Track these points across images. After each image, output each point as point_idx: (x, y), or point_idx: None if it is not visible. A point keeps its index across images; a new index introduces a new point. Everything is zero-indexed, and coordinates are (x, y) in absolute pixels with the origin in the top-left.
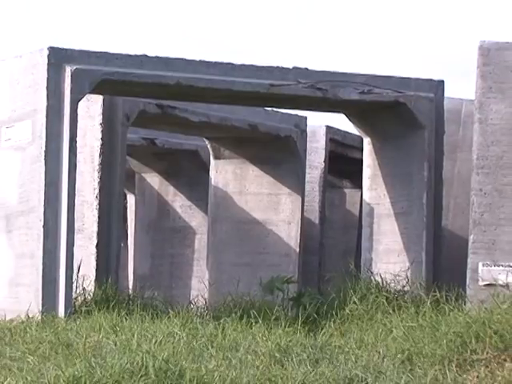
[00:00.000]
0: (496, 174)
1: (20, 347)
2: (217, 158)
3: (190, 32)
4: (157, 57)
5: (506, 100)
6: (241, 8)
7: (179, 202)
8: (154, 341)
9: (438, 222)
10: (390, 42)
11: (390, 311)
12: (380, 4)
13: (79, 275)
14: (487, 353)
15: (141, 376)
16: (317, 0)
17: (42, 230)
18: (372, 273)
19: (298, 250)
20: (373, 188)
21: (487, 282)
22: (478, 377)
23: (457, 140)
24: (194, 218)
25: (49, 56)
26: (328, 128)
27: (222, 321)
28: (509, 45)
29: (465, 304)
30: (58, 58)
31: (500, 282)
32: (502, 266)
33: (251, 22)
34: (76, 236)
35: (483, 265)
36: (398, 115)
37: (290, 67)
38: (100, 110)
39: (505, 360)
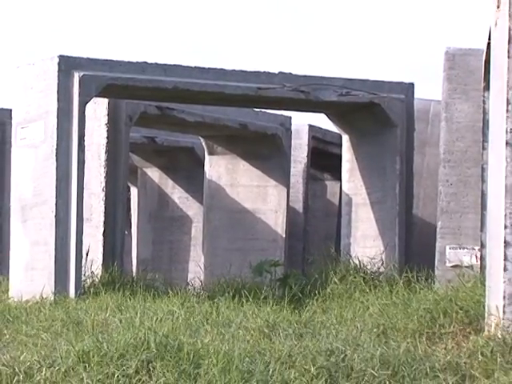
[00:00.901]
0: (461, 167)
1: (35, 325)
2: (211, 154)
3: (186, 40)
4: (156, 63)
5: (470, 100)
6: (232, 18)
7: (177, 194)
8: (155, 318)
9: (409, 210)
10: (365, 49)
11: (367, 290)
12: (356, 13)
13: (88, 260)
14: (454, 327)
15: (143, 350)
16: (299, 11)
17: (54, 219)
18: (350, 256)
19: (284, 236)
20: (351, 180)
21: (453, 264)
22: (445, 348)
23: (425, 137)
24: (191, 208)
25: (59, 63)
26: (310, 127)
27: (216, 300)
28: (471, 51)
29: (434, 283)
30: (67, 65)
31: (465, 264)
32: (467, 248)
33: (241, 30)
34: (85, 225)
35: (450, 248)
36: (373, 115)
37: (276, 72)
38: (105, 112)
39: (469, 333)
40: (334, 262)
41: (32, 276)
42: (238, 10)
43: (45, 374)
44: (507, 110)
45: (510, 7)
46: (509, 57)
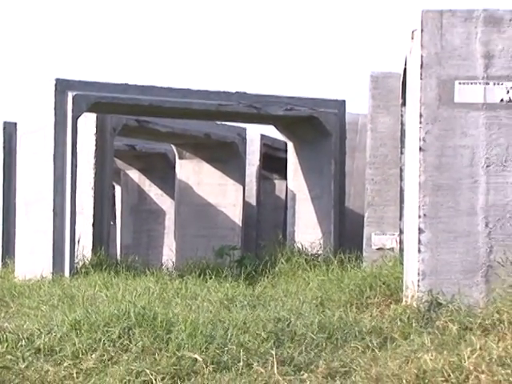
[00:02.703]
0: (383, 168)
1: (36, 299)
2: (180, 158)
3: (160, 64)
4: (135, 85)
5: (390, 114)
6: (197, 46)
7: (153, 191)
8: (134, 293)
9: (342, 203)
10: (307, 72)
11: (308, 269)
12: (301, 41)
13: (80, 246)
14: (378, 298)
15: (125, 319)
16: (251, 39)
17: (51, 213)
18: (295, 241)
19: (240, 225)
20: (295, 179)
21: (378, 247)
22: (371, 316)
23: (355, 144)
24: (165, 202)
25: (55, 85)
26: (262, 136)
27: (185, 278)
28: (391, 74)
29: (362, 263)
30: (62, 86)
31: (387, 247)
32: (388, 234)
33: (206, 56)
34: (77, 217)
35: (375, 234)
36: (312, 126)
37: (233, 91)
38: (94, 124)
39: (390, 303)
40: (281, 247)
41: (34, 259)
42: (203, 39)
43: (44, 340)
44: (420, 122)
45: (421, 39)
46: (421, 79)
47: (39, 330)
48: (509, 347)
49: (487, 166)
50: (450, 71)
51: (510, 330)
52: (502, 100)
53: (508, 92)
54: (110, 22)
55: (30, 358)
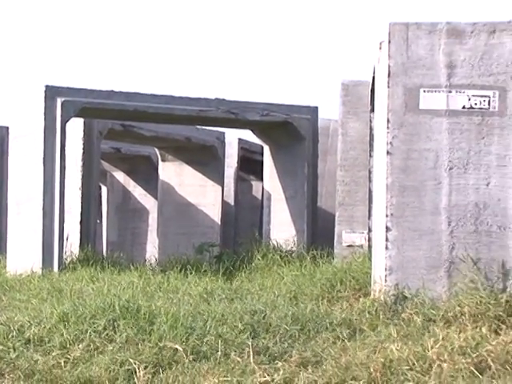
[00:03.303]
0: (353, 170)
1: (26, 293)
2: (163, 160)
3: (144, 71)
4: (120, 91)
5: (359, 120)
6: (178, 54)
7: (137, 191)
8: (119, 287)
9: (314, 203)
10: (282, 79)
11: (282, 264)
12: (275, 50)
13: (68, 242)
14: (347, 292)
15: (110, 311)
16: (230, 49)
17: (41, 212)
18: (270, 239)
19: (219, 223)
20: (270, 181)
21: (348, 244)
22: (341, 308)
23: (327, 147)
24: (148, 202)
25: (45, 91)
26: (239, 140)
27: (167, 273)
28: (361, 82)
29: (333, 259)
30: (51, 92)
31: (356, 244)
32: (358, 232)
33: (187, 64)
34: (65, 216)
35: (345, 232)
36: (287, 131)
37: (213, 98)
38: (81, 128)
39: (359, 296)
40: (257, 244)
41: (24, 255)
42: (186, 49)
43: (33, 331)
44: (387, 127)
45: (388, 50)
46: (388, 87)
47: (29, 321)
48: (469, 338)
49: (450, 169)
50: (416, 80)
51: (471, 321)
52: (463, 107)
53: (469, 99)
54: (97, 31)
55: (20, 348)
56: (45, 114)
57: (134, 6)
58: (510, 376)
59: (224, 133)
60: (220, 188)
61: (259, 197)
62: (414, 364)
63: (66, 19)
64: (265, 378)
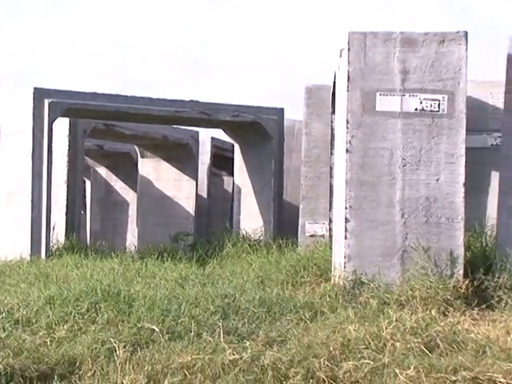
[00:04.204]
0: (316, 167)
1: (15, 277)
2: (142, 157)
3: (123, 75)
4: (103, 93)
5: (321, 121)
6: (155, 62)
7: (119, 185)
8: (101, 273)
9: (280, 197)
10: (252, 82)
11: (251, 252)
12: (246, 55)
13: (54, 232)
14: (310, 277)
15: (92, 295)
16: (204, 53)
17: (30, 203)
18: (240, 229)
19: (193, 214)
20: (240, 176)
21: (311, 234)
22: (304, 292)
23: (292, 145)
24: (128, 195)
25: (34, 93)
26: (212, 138)
27: (145, 260)
28: (323, 86)
29: (297, 247)
30: (39, 94)
31: (318, 234)
32: (320, 223)
33: (165, 67)
34: (52, 207)
35: (308, 223)
36: (256, 130)
37: (188, 100)
38: (67, 127)
39: (321, 281)
40: (228, 233)
41: (14, 243)
42: (164, 54)
43: (22, 312)
44: (347, 127)
45: (348, 57)
46: (348, 90)
47: (18, 304)
48: (420, 319)
49: (403, 166)
50: (372, 84)
51: (422, 304)
52: (416, 109)
53: (421, 103)
54: (82, 37)
55: (9, 329)
56: (33, 113)
57: (117, 16)
58: (456, 354)
59: (198, 132)
60: (194, 182)
61: (230, 190)
62: (369, 343)
63: (54, 26)
64: (234, 356)
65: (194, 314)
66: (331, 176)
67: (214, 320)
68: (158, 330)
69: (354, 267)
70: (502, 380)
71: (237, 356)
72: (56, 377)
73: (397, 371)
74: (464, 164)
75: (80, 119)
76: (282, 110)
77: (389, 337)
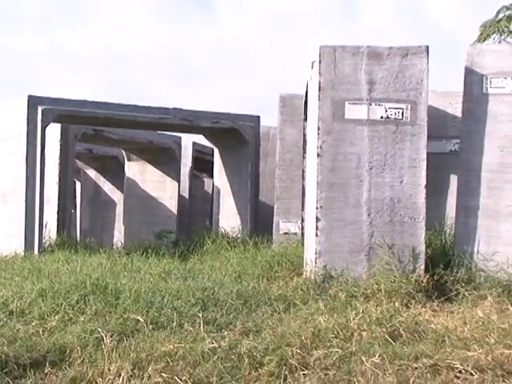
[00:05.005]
0: (289, 170)
1: (10, 272)
2: (129, 160)
3: (112, 85)
4: (92, 101)
5: (295, 127)
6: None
7: (107, 186)
8: (90, 267)
9: (256, 197)
10: (230, 92)
11: (229, 248)
12: (228, 67)
13: (46, 229)
14: (283, 272)
15: (82, 288)
16: (187, 65)
17: (24, 203)
18: (219, 227)
19: (176, 214)
20: (219, 178)
21: (284, 232)
22: (278, 286)
23: (267, 150)
24: (116, 195)
25: (28, 101)
26: (193, 143)
27: (131, 255)
28: (296, 95)
29: (272, 244)
30: (33, 101)
31: (291, 232)
32: (293, 222)
33: (151, 77)
34: (45, 207)
35: (282, 222)
36: (234, 136)
37: (171, 107)
38: (59, 132)
39: (294, 276)
40: (208, 231)
41: (9, 239)
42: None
43: (16, 304)
44: (318, 134)
45: (319, 68)
46: (319, 99)
47: (12, 296)
48: (385, 311)
49: (370, 169)
50: (342, 94)
51: (386, 297)
52: (381, 117)
53: (386, 111)
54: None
55: (4, 319)
56: (27, 119)
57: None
58: (417, 342)
59: (180, 137)
60: (177, 184)
61: (210, 191)
62: (338, 333)
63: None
64: (213, 345)
65: (176, 305)
66: (303, 178)
67: (195, 311)
68: (142, 320)
69: (324, 263)
70: (459, 366)
71: (215, 345)
72: (47, 364)
73: (363, 358)
74: (425, 168)
75: (71, 125)
76: (258, 117)
77: (356, 327)
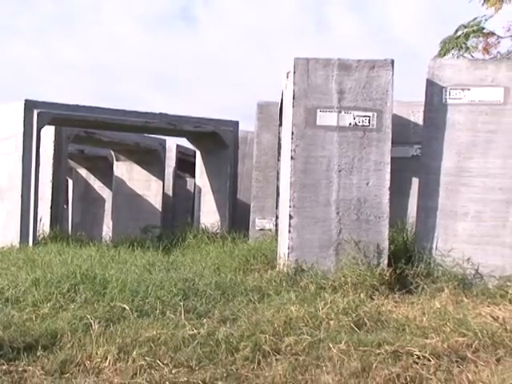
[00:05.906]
0: (265, 171)
1: (6, 262)
2: (117, 160)
3: (102, 91)
4: (84, 105)
5: (271, 132)
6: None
7: (97, 184)
8: (80, 259)
9: (234, 196)
10: (212, 98)
11: (209, 243)
12: (210, 74)
13: (40, 223)
14: (259, 265)
15: (72, 278)
16: (172, 72)
17: (20, 199)
18: (200, 223)
19: (160, 210)
20: (201, 178)
21: (260, 228)
22: (253, 278)
23: (245, 153)
24: (105, 192)
25: (25, 104)
26: (177, 145)
27: (118, 248)
28: (272, 103)
29: (248, 239)
30: (29, 105)
31: (266, 228)
32: (268, 219)
33: (139, 83)
34: (39, 202)
35: (258, 219)
36: (215, 139)
37: (157, 112)
38: (53, 134)
39: (268, 269)
40: (190, 227)
41: (6, 232)
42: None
43: (11, 292)
44: (292, 138)
45: (294, 78)
46: (293, 107)
47: (8, 284)
48: (351, 301)
49: (339, 171)
50: (314, 102)
51: (352, 289)
52: (350, 124)
53: (354, 118)
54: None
55: (0, 306)
56: (24, 122)
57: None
58: (380, 331)
59: (165, 140)
60: (161, 183)
61: (192, 190)
62: (308, 321)
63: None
64: (193, 331)
65: (159, 295)
66: (278, 179)
67: (176, 300)
68: (128, 308)
69: (296, 257)
70: (417, 353)
71: (195, 331)
72: (40, 347)
73: (330, 345)
74: (389, 171)
75: (64, 127)
76: (237, 122)
77: (324, 316)
